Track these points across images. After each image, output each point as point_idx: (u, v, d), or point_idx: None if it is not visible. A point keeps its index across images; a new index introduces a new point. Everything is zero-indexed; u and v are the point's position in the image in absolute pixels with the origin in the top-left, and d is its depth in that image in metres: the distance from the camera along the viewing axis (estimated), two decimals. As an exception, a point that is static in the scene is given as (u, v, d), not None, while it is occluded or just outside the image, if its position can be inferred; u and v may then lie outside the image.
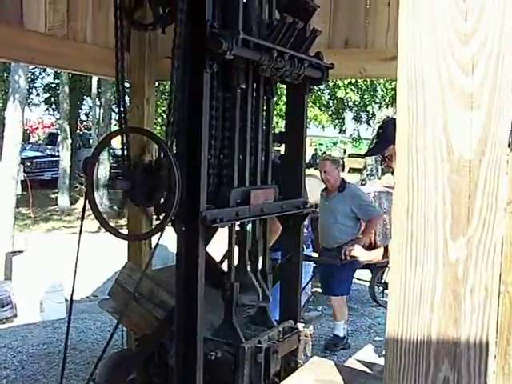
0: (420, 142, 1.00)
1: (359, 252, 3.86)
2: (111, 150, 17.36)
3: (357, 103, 21.74)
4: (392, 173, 3.20)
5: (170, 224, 2.29)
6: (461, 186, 0.98)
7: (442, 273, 1.00)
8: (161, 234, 2.28)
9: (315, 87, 3.05)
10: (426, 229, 1.00)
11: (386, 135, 3.21)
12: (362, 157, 22.22)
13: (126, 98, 3.59)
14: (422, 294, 1.01)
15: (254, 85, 2.59)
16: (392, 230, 1.04)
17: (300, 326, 2.90)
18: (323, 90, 18.68)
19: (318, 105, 19.67)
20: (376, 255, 3.80)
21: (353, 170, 28.65)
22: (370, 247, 8.27)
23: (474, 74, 0.97)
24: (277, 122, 14.56)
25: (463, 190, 0.98)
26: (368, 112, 23.07)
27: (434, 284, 1.00)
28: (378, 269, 8.17)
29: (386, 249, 3.59)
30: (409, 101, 1.00)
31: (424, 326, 1.01)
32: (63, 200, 17.17)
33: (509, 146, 2.24)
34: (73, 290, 2.67)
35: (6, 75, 19.49)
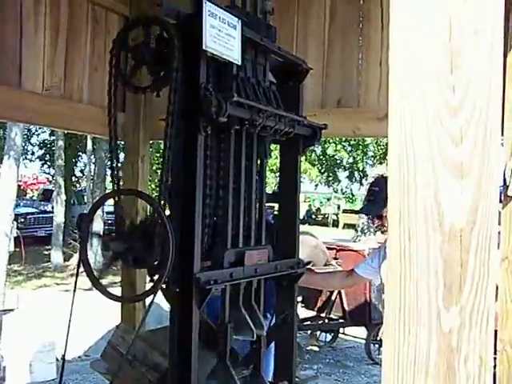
0: (412, 211, 1.01)
1: None
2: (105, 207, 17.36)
3: (348, 161, 21.95)
4: (383, 232, 3.19)
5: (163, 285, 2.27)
6: (452, 255, 0.99)
7: (436, 342, 0.99)
8: (154, 296, 2.27)
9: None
10: (418, 298, 1.00)
11: (383, 193, 3.19)
12: (356, 212, 22.28)
13: (122, 156, 3.61)
14: (416, 363, 1.00)
15: (248, 145, 2.61)
16: (385, 299, 1.04)
17: (295, 387, 2.86)
18: (315, 147, 18.91)
19: (308, 160, 19.89)
20: None
21: (347, 226, 28.71)
22: (366, 303, 8.24)
23: (463, 144, 0.99)
24: (268, 178, 14.69)
25: (455, 259, 0.99)
26: (359, 170, 23.28)
27: (427, 353, 1.00)
28: (373, 326, 8.11)
29: None
30: (400, 170, 1.02)
31: (419, 395, 1.01)
32: (56, 256, 17.08)
33: (500, 201, 2.24)
34: (65, 350, 2.62)
35: (2, 132, 19.66)
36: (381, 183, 3.46)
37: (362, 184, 24.58)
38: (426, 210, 1.00)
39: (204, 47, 2.21)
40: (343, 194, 29.42)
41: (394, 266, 1.02)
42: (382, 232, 3.19)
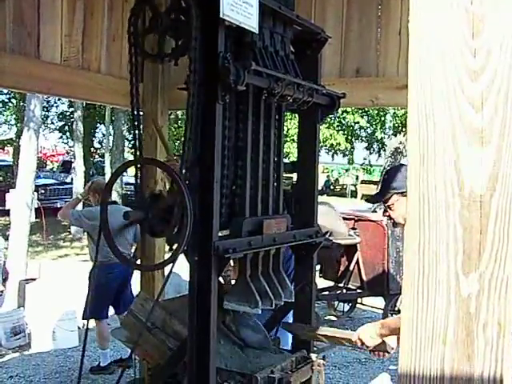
0: (431, 177, 1.00)
1: None
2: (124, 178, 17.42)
3: (367, 130, 21.77)
4: (393, 224, 3.09)
5: (183, 254, 2.29)
6: (472, 221, 0.98)
7: (455, 308, 0.99)
8: (173, 264, 2.29)
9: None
10: (437, 265, 1.00)
11: (387, 182, 3.03)
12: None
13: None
14: (434, 329, 1.01)
15: (266, 114, 2.61)
16: (404, 266, 1.04)
17: (313, 355, 2.88)
18: (334, 117, 18.81)
19: (332, 128, 19.82)
20: None
21: (366, 197, 28.61)
22: (384, 273, 8.24)
23: (483, 110, 0.98)
24: (289, 148, 14.64)
25: (474, 225, 0.98)
26: (378, 141, 23.10)
27: (446, 320, 1.00)
28: (391, 296, 8.12)
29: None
30: (420, 137, 1.01)
31: (437, 362, 1.01)
32: (76, 227, 17.18)
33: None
34: (88, 319, 2.66)
35: (22, 103, 19.73)
36: (389, 172, 3.27)
37: (380, 155, 24.42)
38: (446, 177, 0.99)
39: (221, 15, 2.20)
40: (361, 165, 29.29)
41: (413, 232, 1.01)
42: (394, 225, 3.07)
